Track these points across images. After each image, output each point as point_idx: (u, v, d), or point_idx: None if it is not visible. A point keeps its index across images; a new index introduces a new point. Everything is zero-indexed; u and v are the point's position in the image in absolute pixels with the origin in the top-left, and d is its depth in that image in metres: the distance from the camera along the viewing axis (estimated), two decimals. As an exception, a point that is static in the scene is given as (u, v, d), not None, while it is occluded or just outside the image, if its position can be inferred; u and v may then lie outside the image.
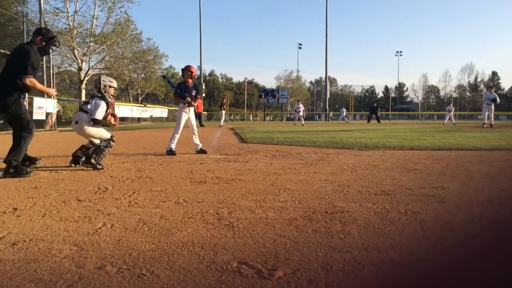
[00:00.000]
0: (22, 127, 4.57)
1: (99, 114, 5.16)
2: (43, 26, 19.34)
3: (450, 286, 1.65)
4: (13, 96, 4.49)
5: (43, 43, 4.75)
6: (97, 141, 5.34)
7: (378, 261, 1.88)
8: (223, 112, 24.98)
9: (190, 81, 7.36)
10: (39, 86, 4.83)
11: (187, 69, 7.27)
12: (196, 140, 7.18)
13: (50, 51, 4.99)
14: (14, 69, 4.52)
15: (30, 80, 4.52)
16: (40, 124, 16.90)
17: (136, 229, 2.43)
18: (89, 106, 5.22)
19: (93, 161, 5.05)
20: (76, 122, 5.19)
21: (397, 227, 2.46)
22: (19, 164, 4.47)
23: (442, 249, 2.10)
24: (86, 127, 5.14)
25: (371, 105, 36.98)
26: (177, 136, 7.01)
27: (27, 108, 5.01)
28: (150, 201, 3.20)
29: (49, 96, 5.34)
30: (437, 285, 1.66)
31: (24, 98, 4.78)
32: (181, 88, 7.18)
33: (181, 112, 7.15)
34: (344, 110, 42.61)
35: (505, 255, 2.03)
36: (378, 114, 33.41)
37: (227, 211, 2.86)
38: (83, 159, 5.23)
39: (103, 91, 5.28)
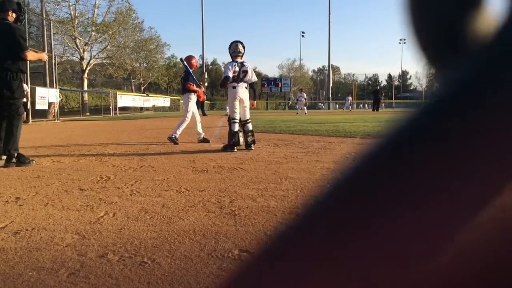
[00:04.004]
0: (14, 114, 4.43)
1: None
2: (44, 15, 19.27)
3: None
4: (17, 80, 4.44)
5: (14, 14, 4.55)
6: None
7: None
8: None
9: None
10: (36, 55, 4.74)
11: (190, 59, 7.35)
12: (199, 129, 7.18)
13: (21, 17, 4.73)
14: (11, 49, 4.37)
15: (29, 53, 4.46)
16: (43, 114, 16.93)
17: (138, 217, 2.44)
18: (248, 78, 6.04)
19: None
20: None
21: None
22: (21, 153, 4.48)
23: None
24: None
25: (375, 88, 34.86)
26: (185, 124, 7.00)
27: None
28: (152, 190, 3.21)
29: (42, 60, 5.40)
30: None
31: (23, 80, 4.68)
32: (194, 77, 7.21)
33: (187, 101, 7.14)
34: (350, 98, 41.66)
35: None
36: (381, 101, 30.85)
37: (229, 200, 2.86)
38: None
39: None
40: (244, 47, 6.12)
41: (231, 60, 6.08)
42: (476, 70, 0.23)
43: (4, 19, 4.50)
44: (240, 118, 5.97)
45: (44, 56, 4.98)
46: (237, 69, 5.97)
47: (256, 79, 6.31)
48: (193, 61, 7.36)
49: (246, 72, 6.03)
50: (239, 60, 6.04)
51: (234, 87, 5.97)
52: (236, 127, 5.83)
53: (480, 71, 0.23)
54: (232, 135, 5.78)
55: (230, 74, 5.93)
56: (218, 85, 7.65)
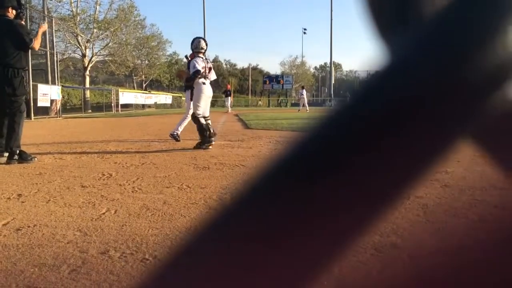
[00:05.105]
0: (16, 111, 4.42)
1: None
2: (46, 13, 19.27)
3: (452, 271, 1.65)
4: (18, 77, 4.43)
5: (14, 11, 4.52)
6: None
7: (380, 245, 1.88)
8: (229, 98, 25.03)
9: None
10: (39, 39, 4.72)
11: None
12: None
13: (21, 14, 4.72)
14: (14, 45, 4.37)
15: (35, 44, 4.52)
16: (45, 111, 16.96)
17: (140, 214, 2.44)
18: (210, 75, 6.04)
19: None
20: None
21: (399, 212, 2.46)
22: (23, 150, 4.48)
23: (445, 234, 2.10)
24: None
25: None
26: (187, 121, 6.99)
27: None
28: (154, 187, 3.22)
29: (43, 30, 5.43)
30: (439, 269, 1.66)
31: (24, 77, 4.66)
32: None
33: (188, 97, 7.12)
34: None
35: (508, 240, 2.02)
36: None
37: (230, 197, 2.86)
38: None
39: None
40: (206, 44, 6.08)
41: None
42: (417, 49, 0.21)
43: (3, 16, 4.50)
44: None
45: (44, 27, 5.03)
46: (203, 64, 5.91)
47: (216, 77, 6.27)
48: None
49: (211, 68, 6.03)
50: (201, 56, 5.98)
51: (204, 83, 5.91)
52: (204, 121, 5.86)
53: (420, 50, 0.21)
54: (205, 128, 5.82)
55: (201, 69, 5.82)
56: (178, 78, 7.11)
